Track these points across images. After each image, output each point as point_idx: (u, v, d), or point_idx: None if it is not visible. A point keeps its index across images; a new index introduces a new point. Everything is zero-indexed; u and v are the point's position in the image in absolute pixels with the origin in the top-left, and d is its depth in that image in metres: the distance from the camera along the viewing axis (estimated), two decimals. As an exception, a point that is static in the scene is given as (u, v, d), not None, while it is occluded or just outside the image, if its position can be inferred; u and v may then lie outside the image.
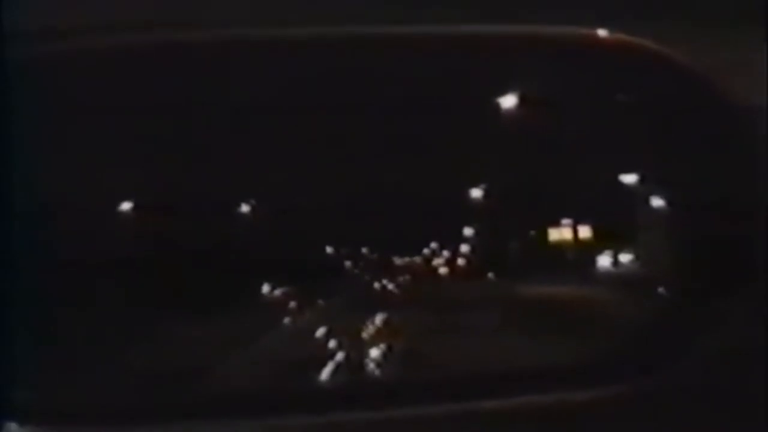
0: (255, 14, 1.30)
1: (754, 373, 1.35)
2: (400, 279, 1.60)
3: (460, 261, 1.60)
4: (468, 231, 1.60)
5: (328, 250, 1.57)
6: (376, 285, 1.60)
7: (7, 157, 1.21)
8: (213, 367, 1.43)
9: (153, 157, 1.40)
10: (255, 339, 1.51)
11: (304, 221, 1.51)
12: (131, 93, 1.33)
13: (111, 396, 1.30)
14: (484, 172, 1.53)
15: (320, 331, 1.54)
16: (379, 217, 1.51)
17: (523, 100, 1.44)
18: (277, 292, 1.51)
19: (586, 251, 1.57)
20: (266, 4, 1.32)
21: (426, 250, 1.60)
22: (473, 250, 1.60)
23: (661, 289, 1.49)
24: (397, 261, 1.60)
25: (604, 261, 1.59)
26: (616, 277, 1.58)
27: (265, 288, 1.50)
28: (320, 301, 1.58)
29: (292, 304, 1.54)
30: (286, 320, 1.54)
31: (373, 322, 1.58)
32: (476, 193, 1.54)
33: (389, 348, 1.54)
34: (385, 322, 1.57)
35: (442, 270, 1.60)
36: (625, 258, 1.57)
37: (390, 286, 1.61)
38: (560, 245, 1.58)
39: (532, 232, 1.60)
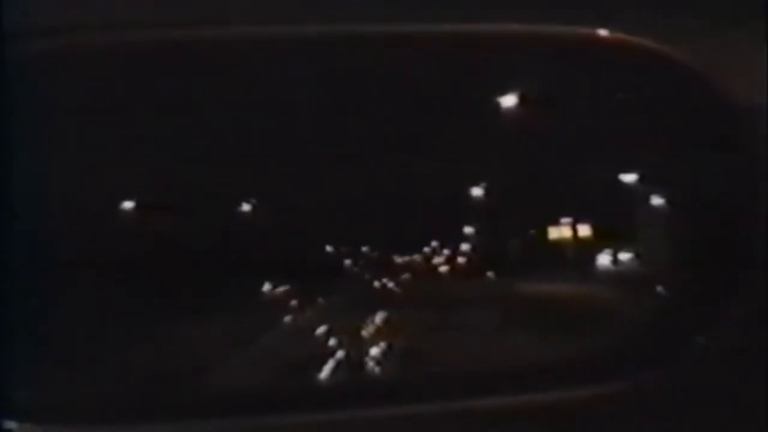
0: (255, 14, 1.30)
1: (754, 372, 1.35)
2: (401, 277, 1.60)
3: (461, 259, 1.60)
4: (468, 229, 1.60)
5: (329, 248, 1.57)
6: (377, 283, 1.61)
7: (7, 157, 1.21)
8: (213, 367, 1.43)
9: (153, 156, 1.40)
10: (255, 338, 1.52)
11: (305, 220, 1.51)
12: (131, 93, 1.33)
13: (111, 396, 1.31)
14: (484, 172, 1.53)
15: (320, 330, 1.54)
16: (379, 216, 1.51)
17: (523, 100, 1.44)
18: (278, 291, 1.51)
19: (585, 250, 1.57)
20: (266, 3, 1.31)
21: (426, 249, 1.60)
22: (473, 248, 1.60)
23: (660, 288, 1.49)
24: (398, 259, 1.61)
25: (603, 259, 1.59)
26: (616, 276, 1.58)
27: (266, 287, 1.50)
28: (320, 300, 1.58)
29: (293, 302, 1.54)
30: (286, 319, 1.54)
31: (373, 321, 1.58)
32: (476, 191, 1.54)
33: (389, 346, 1.54)
34: (386, 321, 1.58)
35: (443, 268, 1.61)
36: (624, 257, 1.57)
37: (390, 285, 1.61)
38: (560, 244, 1.58)
39: (532, 231, 1.60)
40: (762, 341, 1.33)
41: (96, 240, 1.37)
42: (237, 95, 1.39)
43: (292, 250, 1.51)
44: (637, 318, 1.49)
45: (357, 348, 1.54)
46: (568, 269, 1.61)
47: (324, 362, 1.49)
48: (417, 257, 1.60)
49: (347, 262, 1.58)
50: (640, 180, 1.51)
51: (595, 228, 1.58)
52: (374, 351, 1.54)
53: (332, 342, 1.53)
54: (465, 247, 1.60)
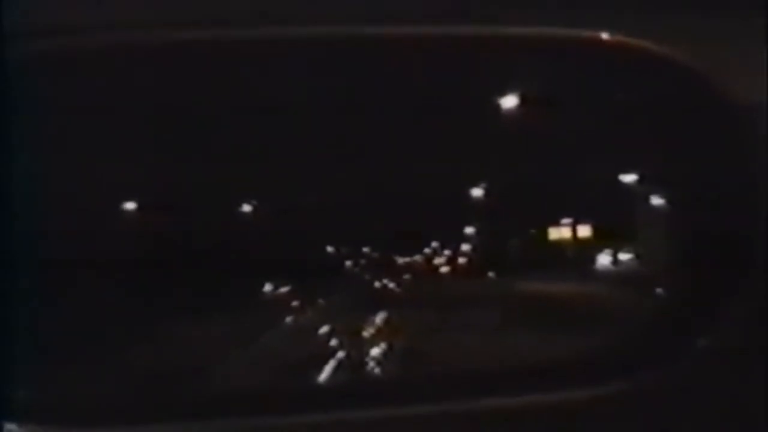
0: (255, 14, 1.29)
1: (754, 372, 1.35)
2: (401, 278, 1.60)
3: (461, 260, 1.60)
4: (469, 230, 1.60)
5: (329, 249, 1.58)
6: (377, 284, 1.61)
7: (7, 157, 1.21)
8: (213, 367, 1.44)
9: (153, 156, 1.40)
10: (255, 338, 1.52)
11: (305, 220, 1.51)
12: (131, 93, 1.33)
13: (111, 396, 1.30)
14: (484, 172, 1.53)
15: (321, 330, 1.54)
16: (380, 216, 1.51)
17: (523, 100, 1.44)
18: (278, 291, 1.51)
19: (585, 250, 1.57)
20: (266, 3, 1.31)
21: (427, 249, 1.60)
22: (474, 248, 1.60)
23: (660, 288, 1.49)
24: (398, 260, 1.61)
25: (603, 259, 1.59)
26: (616, 276, 1.58)
27: (266, 287, 1.50)
28: (321, 300, 1.59)
29: (293, 303, 1.54)
30: (287, 319, 1.54)
31: (373, 321, 1.58)
32: (477, 192, 1.54)
33: (390, 346, 1.55)
34: (386, 321, 1.58)
35: (443, 269, 1.61)
36: (624, 256, 1.58)
37: (391, 285, 1.61)
38: (560, 244, 1.58)
39: (533, 231, 1.61)
40: (762, 341, 1.33)
41: (96, 240, 1.37)
42: (237, 95, 1.39)
43: (293, 250, 1.51)
44: (637, 318, 1.49)
45: (357, 348, 1.54)
46: (568, 269, 1.61)
47: (324, 362, 1.49)
48: (418, 257, 1.61)
49: (348, 262, 1.58)
50: (640, 180, 1.51)
51: (595, 228, 1.58)
52: (375, 351, 1.54)
53: (333, 342, 1.53)
54: (465, 247, 1.60)
